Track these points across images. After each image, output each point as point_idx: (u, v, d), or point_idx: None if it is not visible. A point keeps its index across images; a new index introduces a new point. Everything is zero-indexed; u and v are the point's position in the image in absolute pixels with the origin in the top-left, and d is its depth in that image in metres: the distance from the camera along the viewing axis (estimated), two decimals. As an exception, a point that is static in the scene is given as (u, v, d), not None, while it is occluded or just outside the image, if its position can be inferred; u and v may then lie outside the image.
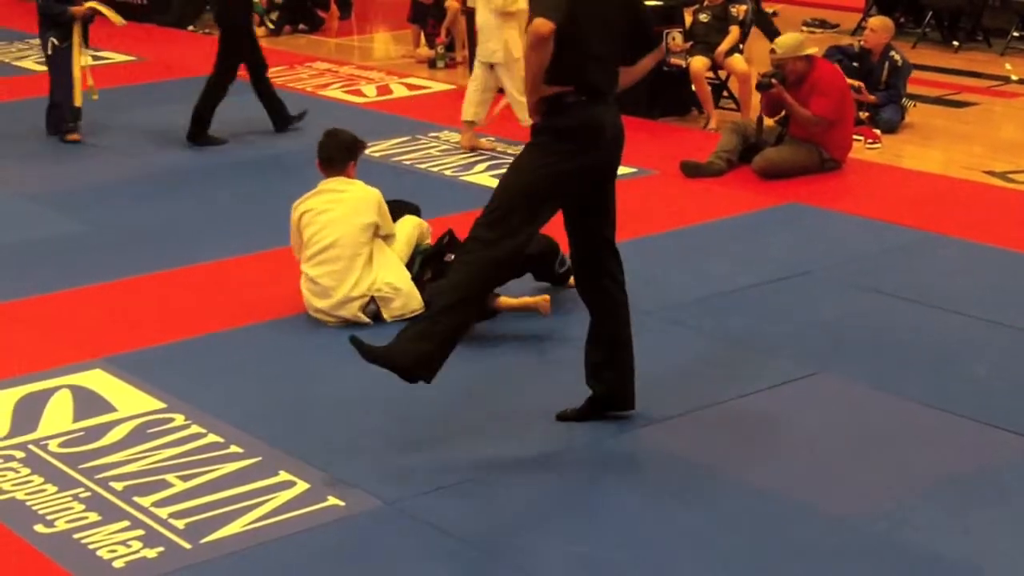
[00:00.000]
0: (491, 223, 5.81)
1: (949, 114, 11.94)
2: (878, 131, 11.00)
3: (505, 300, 7.32)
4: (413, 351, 5.78)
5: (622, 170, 9.88)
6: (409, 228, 7.71)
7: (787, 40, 10.17)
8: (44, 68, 13.88)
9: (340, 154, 7.53)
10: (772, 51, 10.09)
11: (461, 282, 5.81)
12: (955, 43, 14.77)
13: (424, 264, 7.61)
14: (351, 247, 7.34)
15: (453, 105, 12.50)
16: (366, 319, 7.31)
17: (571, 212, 6.03)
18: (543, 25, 5.55)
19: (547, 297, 7.40)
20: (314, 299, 7.35)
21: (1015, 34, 14.55)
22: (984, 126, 11.65)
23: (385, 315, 7.34)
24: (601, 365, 6.16)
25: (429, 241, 7.79)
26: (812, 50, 10.08)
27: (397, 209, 7.76)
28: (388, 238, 7.54)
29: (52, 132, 11.22)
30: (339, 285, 7.28)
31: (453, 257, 6.94)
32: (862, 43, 11.56)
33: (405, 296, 7.37)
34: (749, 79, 11.28)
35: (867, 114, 11.14)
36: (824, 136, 9.93)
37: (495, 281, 6.17)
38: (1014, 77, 13.24)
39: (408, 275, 7.47)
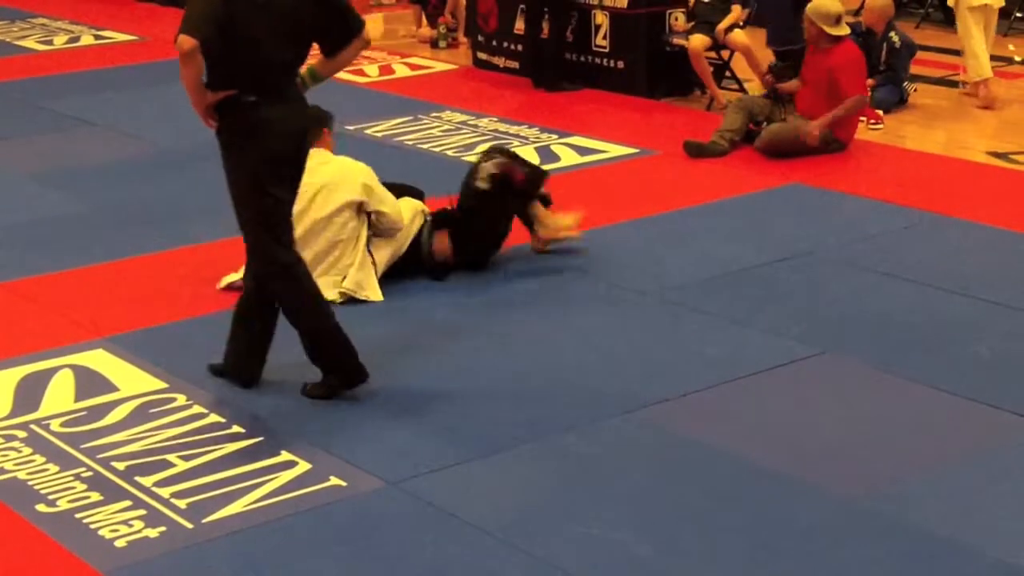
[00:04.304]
0: (250, 250, 6.27)
1: (952, 95, 11.91)
2: (880, 111, 10.96)
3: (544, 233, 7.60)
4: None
5: (625, 150, 10.10)
6: (411, 214, 7.64)
7: (820, 5, 10.01)
8: (46, 48, 13.86)
9: (310, 123, 7.49)
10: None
11: (289, 309, 6.27)
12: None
13: (433, 231, 7.58)
14: (320, 230, 7.27)
15: (455, 85, 12.51)
16: (335, 298, 7.23)
17: None
18: (185, 42, 5.88)
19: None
20: None
21: (1018, 15, 14.50)
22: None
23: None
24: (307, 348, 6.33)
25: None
26: (843, 31, 9.98)
27: (399, 192, 7.72)
28: (380, 215, 7.42)
29: None
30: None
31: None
32: (862, 23, 11.52)
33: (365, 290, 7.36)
34: (751, 52, 11.23)
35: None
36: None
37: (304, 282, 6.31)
38: (1017, 58, 13.20)
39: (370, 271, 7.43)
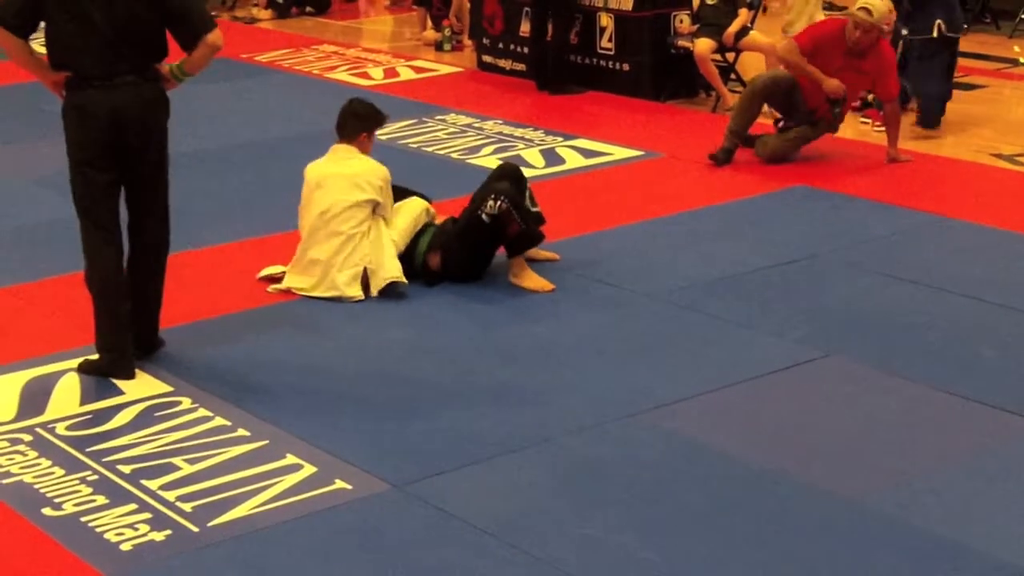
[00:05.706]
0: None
1: (957, 96, 11.86)
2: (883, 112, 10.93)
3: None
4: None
5: (629, 153, 10.12)
6: (417, 210, 7.70)
7: (883, 7, 9.86)
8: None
9: (351, 120, 7.62)
10: (868, 11, 9.72)
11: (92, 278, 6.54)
12: (963, 25, 14.72)
13: (429, 246, 7.59)
14: (339, 220, 7.38)
15: (460, 88, 12.52)
16: (357, 293, 7.32)
17: (122, 185, 6.56)
18: None
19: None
20: (296, 280, 7.41)
21: (1023, 16, 14.51)
22: (992, 109, 11.62)
23: (372, 287, 7.37)
24: (132, 311, 6.59)
25: (437, 222, 7.79)
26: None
27: (401, 194, 7.76)
28: (386, 221, 7.55)
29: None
30: (325, 259, 7.34)
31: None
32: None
33: (385, 269, 7.41)
34: (774, 51, 10.98)
35: (873, 96, 11.09)
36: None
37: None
38: (1022, 60, 13.21)
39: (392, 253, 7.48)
